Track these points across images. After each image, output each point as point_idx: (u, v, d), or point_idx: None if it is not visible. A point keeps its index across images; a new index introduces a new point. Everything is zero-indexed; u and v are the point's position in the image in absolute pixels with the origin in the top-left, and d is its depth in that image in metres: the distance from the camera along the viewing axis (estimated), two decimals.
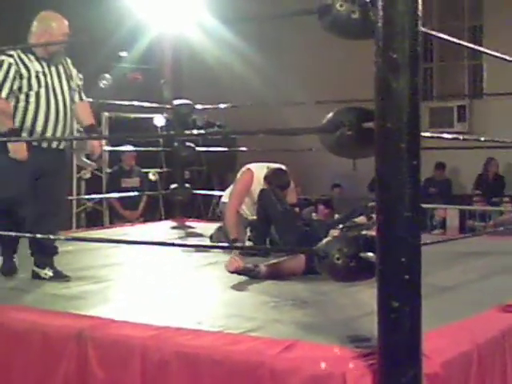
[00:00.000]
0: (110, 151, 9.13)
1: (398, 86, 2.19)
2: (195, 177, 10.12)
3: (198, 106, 7.15)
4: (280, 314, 3.18)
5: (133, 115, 9.76)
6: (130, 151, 8.58)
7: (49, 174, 4.14)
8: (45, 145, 4.15)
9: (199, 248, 5.26)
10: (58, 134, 4.17)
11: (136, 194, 8.32)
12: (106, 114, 9.67)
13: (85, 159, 9.26)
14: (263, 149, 7.35)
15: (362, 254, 2.42)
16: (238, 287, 3.95)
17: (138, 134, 9.05)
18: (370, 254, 2.36)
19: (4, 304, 3.43)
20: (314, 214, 9.35)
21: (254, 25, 10.27)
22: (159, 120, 9.42)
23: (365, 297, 3.14)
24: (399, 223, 2.17)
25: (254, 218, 5.38)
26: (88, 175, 9.40)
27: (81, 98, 4.39)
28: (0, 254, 4.29)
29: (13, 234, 3.98)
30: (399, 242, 2.17)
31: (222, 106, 7.24)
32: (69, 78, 4.28)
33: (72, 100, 4.27)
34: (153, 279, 4.19)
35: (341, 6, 2.54)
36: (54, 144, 4.19)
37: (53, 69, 4.18)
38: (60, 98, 4.17)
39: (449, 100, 11.14)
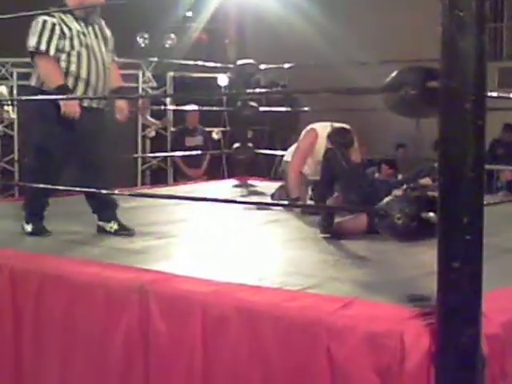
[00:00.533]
0: (174, 110, 9.22)
1: (463, 45, 2.15)
2: (258, 136, 10.15)
3: (262, 66, 7.12)
4: (339, 272, 3.21)
5: (197, 75, 9.81)
6: (194, 110, 8.62)
7: (91, 133, 4.19)
8: (85, 104, 4.19)
9: (261, 206, 5.30)
10: (98, 93, 4.23)
11: (199, 152, 8.38)
12: (171, 73, 9.74)
13: (150, 118, 9.40)
14: (326, 109, 7.30)
15: (423, 215, 2.42)
16: (298, 245, 4.00)
17: (199, 93, 9.09)
18: (432, 215, 2.35)
19: (68, 257, 3.53)
20: (376, 174, 9.29)
21: None
22: (223, 80, 9.45)
23: (425, 257, 3.11)
24: (462, 183, 2.15)
25: (317, 178, 5.39)
26: (153, 133, 9.54)
27: (113, 59, 4.45)
28: (28, 219, 4.25)
29: (82, 190, 4.07)
30: (461, 202, 2.15)
31: (286, 65, 7.19)
32: (104, 38, 4.33)
33: (109, 60, 4.33)
34: (215, 236, 4.25)
35: None
36: (94, 103, 4.25)
37: (90, 29, 4.24)
38: (99, 57, 4.23)
39: None
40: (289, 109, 8.27)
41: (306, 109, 7.93)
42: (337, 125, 5.29)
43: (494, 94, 2.69)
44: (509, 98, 3.06)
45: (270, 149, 8.74)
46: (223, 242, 4.06)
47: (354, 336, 2.38)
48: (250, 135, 9.20)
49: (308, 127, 5.42)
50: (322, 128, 5.29)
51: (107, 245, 3.92)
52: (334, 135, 5.12)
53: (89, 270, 3.26)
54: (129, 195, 4.50)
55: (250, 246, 3.93)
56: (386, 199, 2.58)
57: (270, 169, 9.52)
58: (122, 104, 4.47)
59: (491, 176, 9.39)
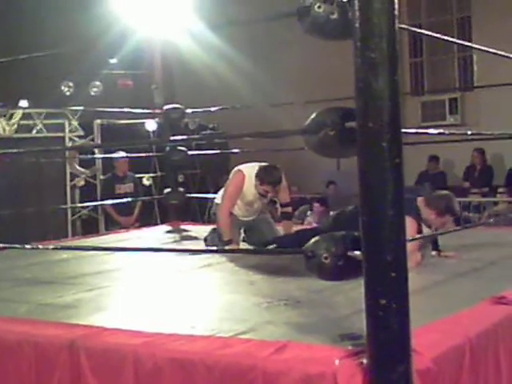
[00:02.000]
0: (102, 158, 9.15)
1: (377, 86, 2.20)
2: (190, 180, 10.14)
3: (189, 110, 7.15)
4: (272, 314, 3.19)
5: (125, 121, 9.78)
6: (123, 157, 8.57)
7: None
8: None
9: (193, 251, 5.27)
10: None
11: (129, 200, 8.30)
12: (98, 121, 9.68)
13: (78, 167, 9.30)
14: (256, 150, 7.35)
15: (349, 253, 2.43)
16: (231, 289, 3.98)
17: (130, 141, 9.05)
18: (358, 253, 2.37)
19: None
20: (309, 212, 9.37)
21: (242, 28, 10.30)
22: (151, 125, 9.43)
23: (358, 294, 3.13)
24: (383, 222, 2.18)
25: (248, 218, 5.41)
26: (82, 183, 9.42)
27: None
28: None
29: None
30: (384, 240, 2.17)
31: (212, 109, 7.23)
32: None
33: None
34: (147, 285, 4.20)
35: (319, 7, 2.56)
36: None
37: None
38: None
39: (440, 94, 11.15)
40: (218, 151, 8.28)
41: (235, 150, 7.96)
42: (264, 164, 5.32)
43: (411, 131, 2.75)
44: (425, 133, 3.12)
45: (203, 192, 8.73)
46: (155, 290, 4.01)
47: (289, 380, 2.36)
48: (182, 179, 9.19)
49: (235, 169, 5.45)
50: (249, 169, 5.31)
51: (35, 301, 3.82)
52: (261, 173, 5.16)
53: (17, 329, 3.16)
54: (52, 249, 4.39)
55: (182, 294, 3.89)
56: (313, 240, 2.59)
57: (203, 212, 9.49)
58: None
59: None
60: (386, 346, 2.18)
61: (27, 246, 3.83)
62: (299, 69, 11.11)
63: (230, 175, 5.51)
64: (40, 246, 3.98)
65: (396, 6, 2.26)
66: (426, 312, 2.90)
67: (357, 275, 2.43)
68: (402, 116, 2.26)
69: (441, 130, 3.34)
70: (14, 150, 4.16)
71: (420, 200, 4.47)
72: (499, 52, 4.45)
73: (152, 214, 9.63)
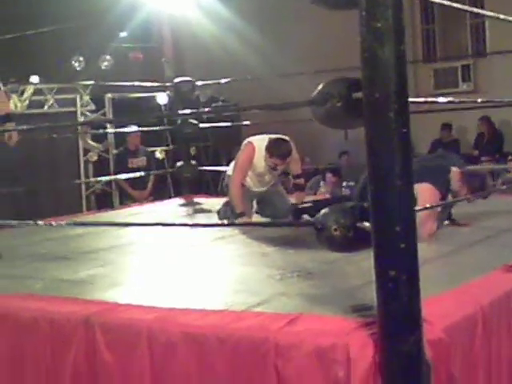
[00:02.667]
0: (114, 132, 9.16)
1: (383, 55, 2.18)
2: (202, 152, 10.14)
3: (199, 83, 7.13)
4: (285, 286, 3.20)
5: (136, 95, 9.77)
6: (135, 131, 8.57)
7: None
8: None
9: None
10: None
11: (142, 173, 8.31)
12: (109, 95, 9.67)
13: (91, 142, 9.32)
14: (266, 121, 7.33)
15: (358, 224, 2.44)
16: (244, 261, 4.00)
17: (138, 116, 9.05)
18: (367, 224, 2.36)
19: (12, 292, 3.46)
20: (321, 183, 9.36)
21: (251, 1, 10.26)
22: (162, 98, 9.42)
23: (370, 264, 3.13)
24: (391, 192, 2.17)
25: (260, 189, 5.41)
26: (95, 157, 9.45)
27: None
28: None
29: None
30: (392, 211, 2.17)
31: (222, 81, 7.20)
32: None
33: None
34: (161, 259, 4.22)
35: None
36: None
37: None
38: None
39: (453, 61, 11.03)
40: (229, 124, 8.26)
41: (246, 123, 7.95)
42: (274, 136, 5.30)
43: (420, 100, 2.73)
44: (433, 102, 3.10)
45: (215, 164, 8.73)
46: (169, 264, 4.03)
47: (302, 352, 2.38)
48: (194, 152, 9.20)
49: (245, 141, 5.44)
50: (259, 141, 5.30)
51: (51, 277, 3.85)
52: (271, 146, 5.15)
53: (33, 306, 3.20)
54: (66, 225, 4.41)
55: (195, 267, 3.90)
56: (322, 211, 2.59)
57: (216, 185, 9.50)
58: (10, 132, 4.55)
59: None
60: (396, 317, 2.18)
61: (40, 223, 3.85)
62: (308, 39, 11.02)
63: (241, 147, 5.50)
64: (53, 223, 4.00)
65: None
66: (438, 281, 2.90)
67: (367, 246, 2.43)
68: (408, 86, 2.24)
69: (450, 99, 3.30)
70: (26, 127, 4.14)
71: (455, 172, 4.37)
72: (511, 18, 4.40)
73: (165, 188, 9.65)
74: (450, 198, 4.46)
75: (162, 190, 9.45)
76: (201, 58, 10.78)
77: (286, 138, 5.35)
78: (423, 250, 3.69)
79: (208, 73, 8.05)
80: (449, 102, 3.26)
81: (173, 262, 4.09)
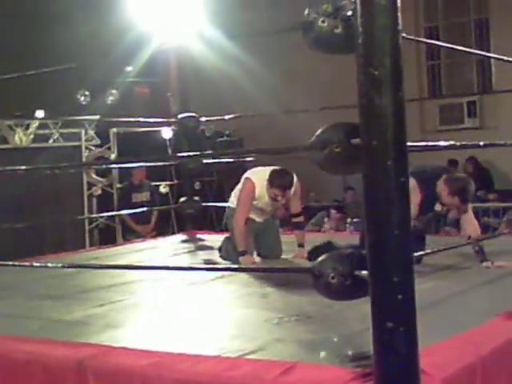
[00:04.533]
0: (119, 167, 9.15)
1: (380, 103, 2.16)
2: (206, 187, 10.13)
3: (204, 118, 7.13)
4: (283, 331, 3.15)
5: (141, 129, 9.79)
6: (140, 166, 8.55)
7: None
8: None
9: (206, 261, 5.26)
10: None
11: (145, 209, 8.26)
12: (114, 129, 9.69)
13: (95, 176, 9.31)
14: (270, 158, 7.30)
15: (356, 272, 2.39)
16: (243, 303, 3.95)
17: (143, 155, 9.05)
18: (365, 273, 2.32)
19: (6, 333, 3.41)
20: (326, 219, 9.32)
21: (257, 36, 10.28)
22: (167, 133, 9.43)
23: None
24: (389, 241, 2.13)
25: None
26: (99, 192, 9.43)
27: None
28: None
29: None
30: (390, 261, 2.13)
31: (226, 117, 7.20)
32: None
33: None
34: (158, 299, 4.17)
35: (323, 21, 2.52)
36: None
37: None
38: None
39: (458, 97, 11.04)
40: (232, 159, 8.25)
41: (249, 159, 7.95)
42: (277, 167, 5.26)
43: (420, 143, 2.69)
44: (433, 146, 3.07)
45: (220, 199, 8.69)
46: (166, 305, 3.98)
47: None
48: (198, 187, 9.17)
49: (244, 176, 5.41)
50: (258, 173, 5.30)
51: (47, 317, 3.80)
52: (272, 177, 5.12)
53: (26, 348, 3.15)
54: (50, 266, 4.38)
55: (193, 309, 3.85)
56: (320, 258, 2.55)
57: (220, 220, 9.47)
58: None
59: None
60: (393, 369, 2.13)
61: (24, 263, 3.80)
62: (313, 74, 11.05)
63: (241, 181, 5.46)
64: (35, 263, 3.95)
65: (400, 22, 2.20)
66: (437, 330, 2.84)
67: (365, 294, 2.38)
68: (406, 134, 2.21)
69: (451, 142, 3.26)
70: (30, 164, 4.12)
71: (443, 177, 4.60)
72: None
73: (169, 223, 9.62)
74: (437, 205, 4.67)
75: (166, 224, 9.42)
76: (207, 93, 10.81)
77: (288, 170, 5.30)
78: (428, 290, 3.70)
79: (214, 107, 8.05)
80: (448, 147, 3.22)
81: (170, 303, 4.04)
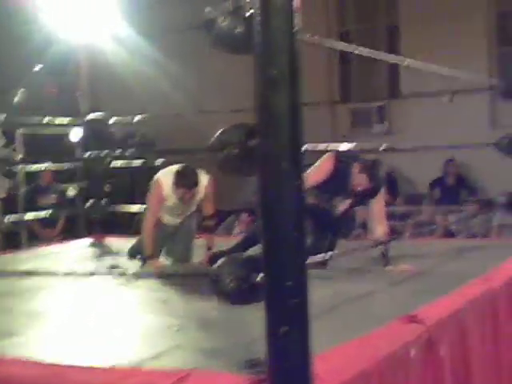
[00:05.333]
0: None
1: (276, 103, 2.12)
2: (118, 189, 9.92)
3: (112, 119, 6.96)
4: (182, 338, 3.08)
5: (49, 130, 9.51)
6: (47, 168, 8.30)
7: None
8: None
9: (111, 267, 5.14)
10: None
11: (50, 211, 8.00)
12: (20, 130, 9.39)
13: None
14: (182, 159, 7.20)
15: (254, 277, 2.34)
16: (145, 309, 3.87)
17: (48, 154, 8.77)
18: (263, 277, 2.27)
19: None
20: (236, 222, 9.27)
21: (171, 35, 10.16)
22: (76, 134, 9.18)
23: None
24: (284, 246, 2.09)
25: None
26: (3, 195, 9.12)
27: None
28: None
29: None
30: (285, 265, 2.09)
31: (136, 118, 7.04)
32: None
33: None
34: (58, 306, 4.04)
35: (223, 20, 2.46)
36: None
37: None
38: None
39: (368, 101, 11.19)
40: (141, 161, 8.10)
41: (159, 161, 7.84)
42: (180, 166, 5.15)
43: (320, 146, 2.66)
44: (331, 150, 3.05)
45: (131, 201, 8.52)
46: (64, 313, 3.85)
47: None
48: (109, 189, 8.98)
49: (154, 177, 5.30)
50: (166, 174, 5.18)
51: None
52: (176, 176, 5.03)
53: None
54: None
55: (92, 316, 3.73)
56: (218, 262, 2.49)
57: (130, 222, 9.30)
58: None
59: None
60: (286, 375, 2.09)
61: None
62: (227, 74, 10.99)
63: (151, 184, 5.35)
64: None
65: (297, 21, 2.17)
66: (335, 334, 2.83)
67: (263, 299, 2.34)
68: (302, 135, 2.17)
69: (353, 144, 3.25)
70: None
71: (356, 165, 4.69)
72: (418, 64, 4.47)
73: (77, 226, 9.37)
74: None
75: (74, 228, 9.17)
76: (118, 93, 10.63)
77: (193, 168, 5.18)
78: (329, 294, 3.70)
79: (126, 108, 7.89)
80: (364, 150, 3.22)
81: (68, 310, 3.90)
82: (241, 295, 2.39)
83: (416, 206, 9.88)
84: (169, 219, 5.38)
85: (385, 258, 4.66)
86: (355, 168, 4.66)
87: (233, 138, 2.40)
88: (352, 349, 2.61)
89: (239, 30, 2.44)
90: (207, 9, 2.51)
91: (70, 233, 8.53)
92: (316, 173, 4.69)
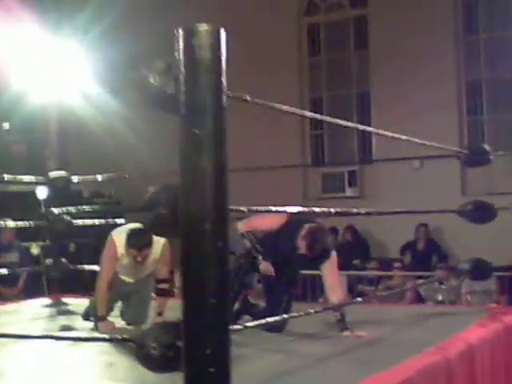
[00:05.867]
0: None
1: (200, 164, 2.06)
2: (83, 249, 9.80)
3: (75, 178, 6.87)
4: None
5: (16, 187, 9.44)
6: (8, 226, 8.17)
7: None
8: None
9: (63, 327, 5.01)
10: None
11: (13, 270, 7.86)
12: None
13: None
14: (144, 219, 7.11)
15: (180, 343, 2.25)
16: (88, 373, 3.75)
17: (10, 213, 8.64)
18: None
19: None
20: None
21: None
22: (42, 192, 9.09)
23: None
24: (204, 311, 2.01)
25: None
26: None
27: None
28: None
29: None
30: (203, 332, 2.00)
31: (99, 178, 6.96)
32: None
33: None
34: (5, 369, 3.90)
35: (155, 79, 2.42)
36: None
37: None
38: None
39: (340, 166, 11.24)
40: (103, 221, 7.99)
41: (120, 221, 7.75)
42: (134, 226, 5.04)
43: (241, 208, 2.56)
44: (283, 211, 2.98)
45: (94, 262, 8.39)
46: (5, 375, 3.71)
47: None
48: (73, 249, 8.87)
49: (109, 236, 5.19)
50: (121, 233, 5.07)
51: None
52: (128, 236, 4.93)
53: None
54: None
55: (34, 380, 3.59)
56: (146, 328, 2.40)
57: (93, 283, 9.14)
58: None
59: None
60: None
61: None
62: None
63: (106, 242, 5.24)
64: None
65: (223, 80, 2.13)
66: None
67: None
68: (227, 196, 2.11)
69: (294, 209, 3.19)
70: None
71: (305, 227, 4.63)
72: (389, 133, 4.45)
73: (40, 285, 9.20)
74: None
75: (36, 287, 8.99)
76: (87, 151, 10.59)
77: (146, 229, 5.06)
78: (277, 361, 3.59)
79: (95, 166, 7.81)
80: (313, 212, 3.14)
81: (12, 373, 3.76)
82: (164, 362, 2.29)
83: (387, 271, 9.82)
84: (125, 277, 5.27)
85: (341, 323, 4.57)
86: (303, 230, 4.61)
87: (162, 198, 2.34)
88: None
89: (172, 89, 2.40)
90: (140, 67, 2.48)
91: (32, 291, 8.35)
92: (266, 219, 4.71)
